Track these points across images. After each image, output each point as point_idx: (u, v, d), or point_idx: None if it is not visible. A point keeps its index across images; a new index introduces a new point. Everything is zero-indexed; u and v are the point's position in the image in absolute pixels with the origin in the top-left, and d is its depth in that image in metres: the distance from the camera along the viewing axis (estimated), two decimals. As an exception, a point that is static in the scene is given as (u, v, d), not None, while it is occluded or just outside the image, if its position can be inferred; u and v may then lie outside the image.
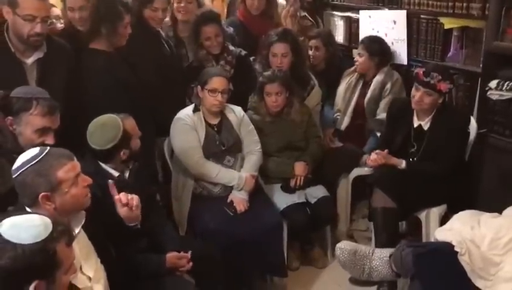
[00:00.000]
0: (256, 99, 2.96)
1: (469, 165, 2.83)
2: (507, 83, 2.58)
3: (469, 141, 2.80)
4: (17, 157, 1.60)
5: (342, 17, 3.93)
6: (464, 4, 2.83)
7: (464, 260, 2.11)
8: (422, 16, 3.18)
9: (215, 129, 2.73)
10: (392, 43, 3.38)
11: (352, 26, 3.84)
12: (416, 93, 2.63)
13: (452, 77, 2.75)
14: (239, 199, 2.64)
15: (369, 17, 3.56)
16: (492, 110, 2.72)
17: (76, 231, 1.62)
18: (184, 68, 3.10)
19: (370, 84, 3.27)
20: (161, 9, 2.82)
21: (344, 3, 3.94)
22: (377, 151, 2.79)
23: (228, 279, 2.35)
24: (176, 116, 2.72)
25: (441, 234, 2.28)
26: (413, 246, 2.27)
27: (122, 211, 1.94)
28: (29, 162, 1.56)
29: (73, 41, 2.53)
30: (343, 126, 3.35)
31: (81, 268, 1.63)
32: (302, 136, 2.99)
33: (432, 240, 2.45)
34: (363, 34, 3.55)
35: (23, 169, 1.55)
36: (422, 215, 2.73)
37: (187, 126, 2.66)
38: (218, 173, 2.66)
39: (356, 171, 3.13)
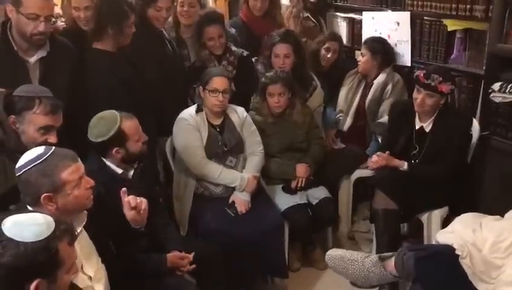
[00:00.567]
0: (258, 100, 2.96)
1: (471, 168, 2.82)
2: (510, 85, 2.56)
3: (471, 143, 2.79)
4: (19, 156, 1.60)
5: (345, 18, 3.92)
6: (468, 6, 2.81)
7: (465, 263, 2.10)
8: (425, 18, 3.16)
9: (218, 130, 2.73)
10: (396, 45, 3.37)
11: (355, 27, 3.83)
12: (418, 96, 2.63)
13: (453, 78, 2.75)
14: (241, 200, 2.64)
15: (372, 18, 3.55)
16: (495, 113, 2.71)
17: (78, 230, 1.62)
18: (186, 68, 3.09)
19: (372, 86, 3.27)
20: (165, 8, 2.79)
21: (347, 4, 3.93)
22: (378, 153, 2.79)
23: (229, 279, 2.35)
24: (178, 116, 2.71)
25: (443, 236, 2.27)
26: (415, 250, 2.27)
27: (130, 213, 1.93)
28: (34, 161, 1.56)
29: (77, 40, 2.53)
30: (345, 127, 3.35)
31: (82, 267, 1.63)
32: (304, 137, 2.99)
33: (433, 242, 2.44)
34: (366, 35, 3.54)
35: (27, 168, 1.55)
36: (423, 218, 2.73)
37: (190, 126, 2.66)
38: (221, 173, 2.66)
39: (358, 173, 3.14)
